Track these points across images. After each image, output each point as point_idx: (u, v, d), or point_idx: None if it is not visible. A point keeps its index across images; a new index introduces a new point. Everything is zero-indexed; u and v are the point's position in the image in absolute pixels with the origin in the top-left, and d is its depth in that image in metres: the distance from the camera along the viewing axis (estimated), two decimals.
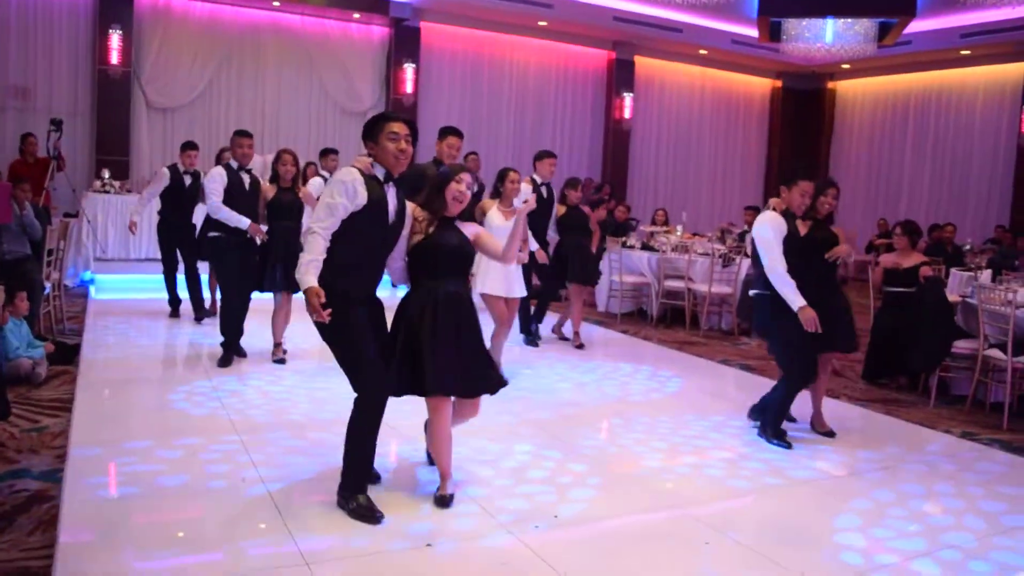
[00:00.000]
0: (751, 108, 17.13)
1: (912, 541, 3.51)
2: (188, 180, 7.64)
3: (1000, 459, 4.75)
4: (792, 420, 5.06)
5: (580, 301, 7.47)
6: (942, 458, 4.72)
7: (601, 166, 15.39)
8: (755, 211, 9.96)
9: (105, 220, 9.91)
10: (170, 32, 11.99)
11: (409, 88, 13.39)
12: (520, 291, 5.74)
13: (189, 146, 7.73)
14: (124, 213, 9.86)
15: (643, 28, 14.00)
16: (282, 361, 6.08)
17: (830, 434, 4.95)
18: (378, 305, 3.56)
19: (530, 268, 6.31)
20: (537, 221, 6.94)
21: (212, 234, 6.12)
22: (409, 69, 13.36)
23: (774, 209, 4.78)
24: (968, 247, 11.40)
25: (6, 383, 4.80)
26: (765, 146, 17.39)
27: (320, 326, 3.30)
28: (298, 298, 4.09)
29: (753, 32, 13.19)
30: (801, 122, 17.11)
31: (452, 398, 3.59)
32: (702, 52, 15.40)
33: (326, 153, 9.14)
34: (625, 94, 15.21)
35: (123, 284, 9.32)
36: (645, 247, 9.39)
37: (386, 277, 3.67)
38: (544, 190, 7.07)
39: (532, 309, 7.34)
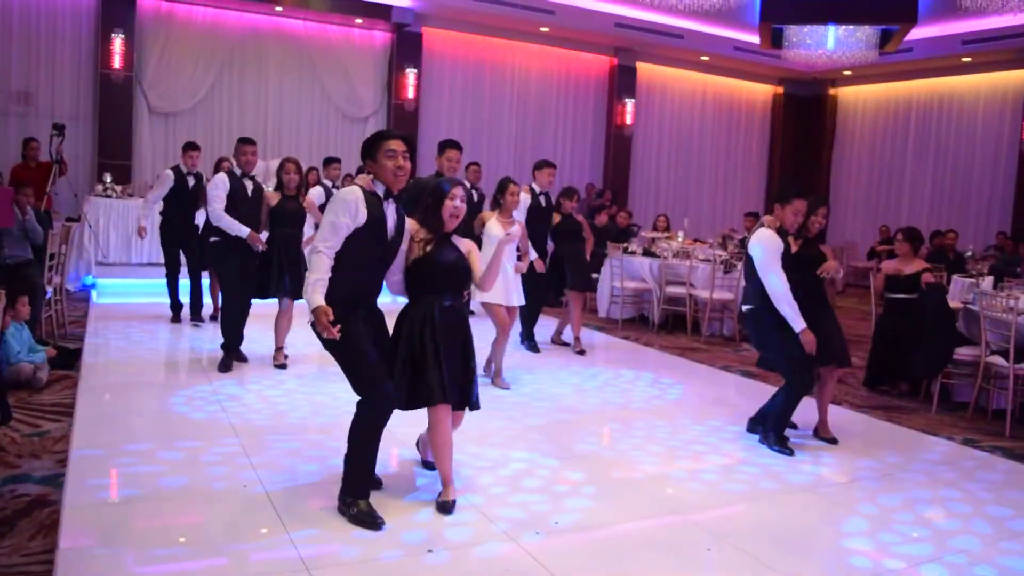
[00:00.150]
0: (752, 114, 17.14)
1: (918, 546, 3.50)
2: (191, 181, 7.67)
3: (1002, 467, 4.74)
4: (793, 427, 5.06)
5: (579, 307, 7.50)
6: (944, 466, 4.71)
7: (603, 172, 15.40)
8: (756, 217, 9.97)
9: (107, 224, 9.92)
10: (172, 37, 12.01)
11: (411, 93, 13.40)
12: (519, 300, 5.97)
13: (191, 147, 7.76)
14: (126, 217, 9.90)
15: (645, 34, 14.03)
16: (283, 366, 6.10)
17: (833, 441, 4.96)
18: (378, 314, 3.60)
19: (529, 277, 6.35)
20: (536, 229, 7.00)
21: (213, 239, 6.18)
22: (411, 75, 13.37)
23: (768, 226, 4.80)
24: (970, 254, 11.40)
25: (7, 387, 4.81)
26: (766, 152, 17.41)
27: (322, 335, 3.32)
28: (300, 304, 4.09)
29: (755, 39, 13.21)
30: (802, 128, 17.13)
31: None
32: (704, 58, 15.44)
33: (329, 162, 9.13)
34: (627, 100, 15.23)
35: (124, 288, 9.31)
36: (646, 253, 9.38)
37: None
38: (543, 199, 7.19)
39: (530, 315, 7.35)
